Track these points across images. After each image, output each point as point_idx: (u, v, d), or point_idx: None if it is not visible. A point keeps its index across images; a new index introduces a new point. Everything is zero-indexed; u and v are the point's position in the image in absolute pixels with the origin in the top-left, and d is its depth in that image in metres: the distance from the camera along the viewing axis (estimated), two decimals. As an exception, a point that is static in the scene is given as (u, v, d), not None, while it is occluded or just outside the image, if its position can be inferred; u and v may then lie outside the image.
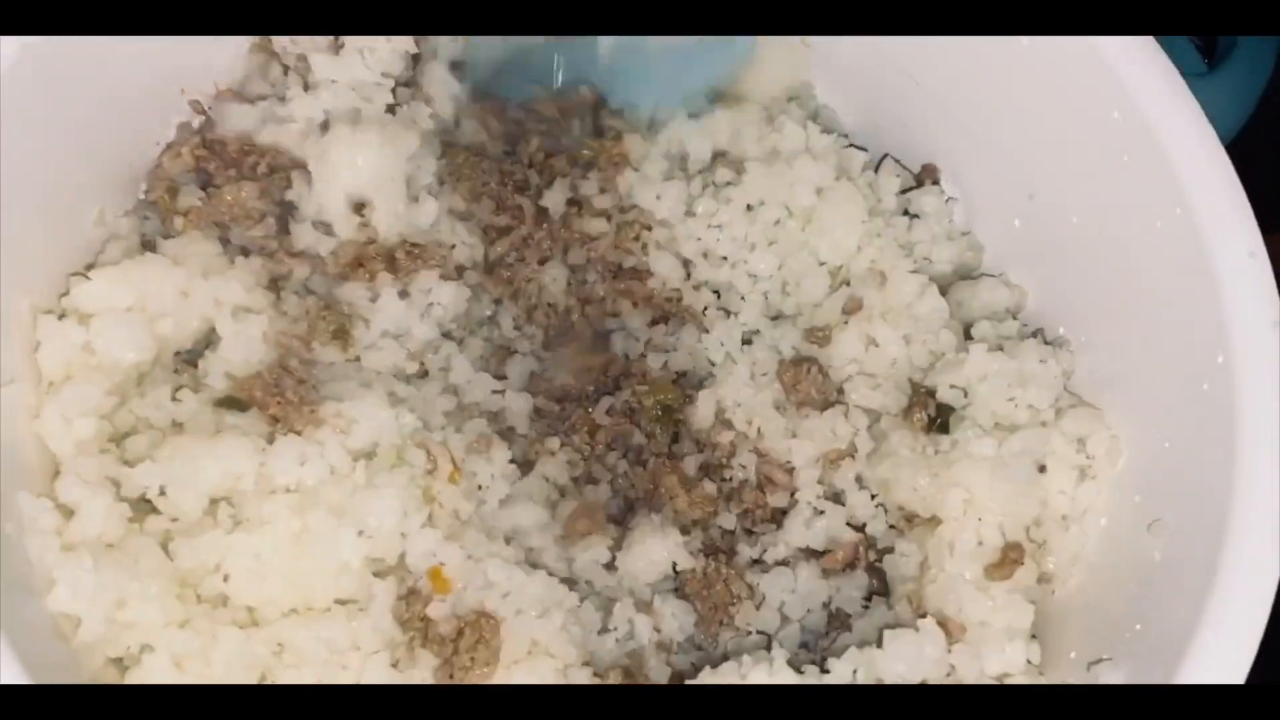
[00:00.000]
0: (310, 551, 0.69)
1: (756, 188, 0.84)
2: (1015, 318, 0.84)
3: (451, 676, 0.70)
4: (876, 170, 0.89)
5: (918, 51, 0.84)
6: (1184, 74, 0.73)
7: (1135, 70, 0.73)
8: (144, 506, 0.71)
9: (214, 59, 0.82)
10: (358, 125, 0.79)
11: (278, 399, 0.73)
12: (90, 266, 0.76)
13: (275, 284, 0.79)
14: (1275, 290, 0.67)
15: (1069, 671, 0.69)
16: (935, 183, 0.90)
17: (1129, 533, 0.71)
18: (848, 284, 0.84)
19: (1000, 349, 0.79)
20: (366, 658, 0.70)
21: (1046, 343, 0.81)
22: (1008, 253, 0.87)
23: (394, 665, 0.70)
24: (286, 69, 0.82)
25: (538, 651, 0.72)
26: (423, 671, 0.70)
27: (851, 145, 0.90)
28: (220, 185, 0.80)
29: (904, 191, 0.88)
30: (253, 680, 0.69)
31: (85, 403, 0.70)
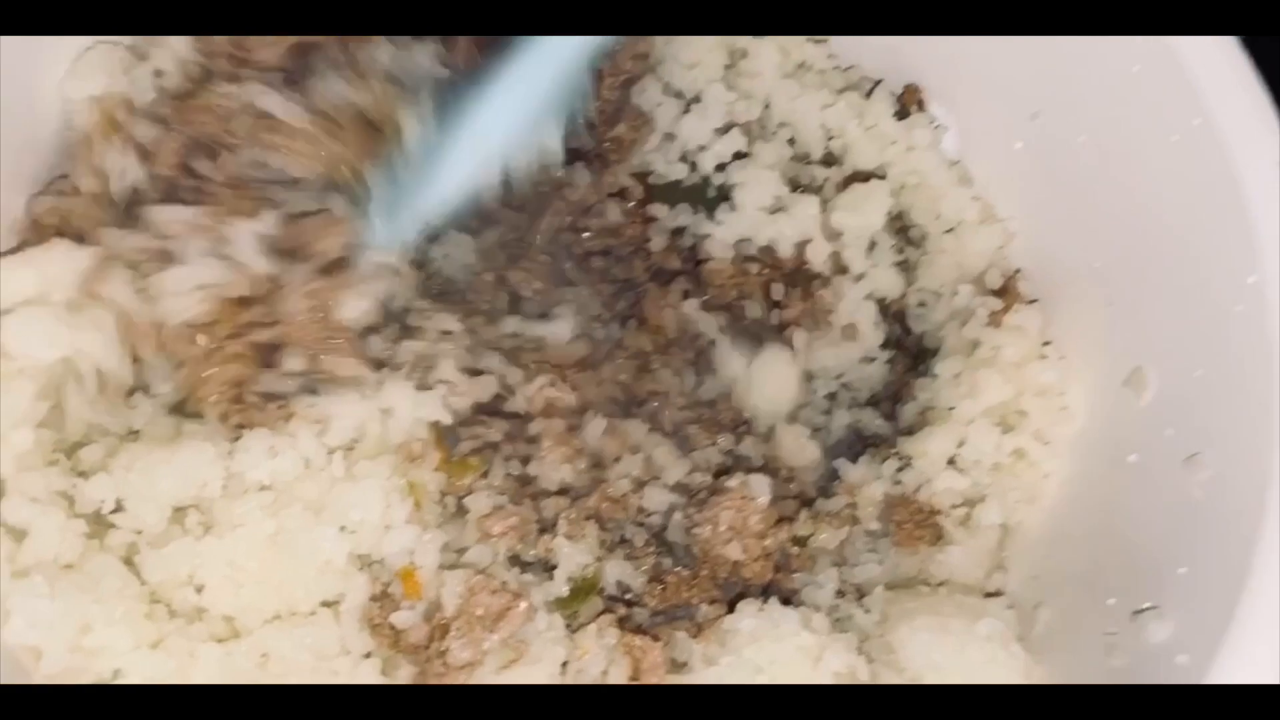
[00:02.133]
0: (289, 552, 0.64)
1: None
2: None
3: (427, 681, 0.65)
4: (868, 96, 0.83)
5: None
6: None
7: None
8: (103, 521, 0.64)
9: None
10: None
11: (238, 406, 0.67)
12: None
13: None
14: (1308, 202, 0.63)
15: (1109, 619, 0.66)
16: (921, 108, 0.84)
17: (1165, 469, 0.67)
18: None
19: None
20: (356, 663, 0.65)
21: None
22: (1001, 182, 0.83)
23: (383, 671, 0.66)
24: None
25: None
26: (405, 677, 0.66)
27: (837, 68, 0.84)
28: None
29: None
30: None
31: (13, 412, 0.63)
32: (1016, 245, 0.83)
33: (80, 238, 0.69)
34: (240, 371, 0.67)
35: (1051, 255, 0.80)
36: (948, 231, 0.84)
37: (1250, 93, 0.65)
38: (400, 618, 0.64)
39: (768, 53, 0.84)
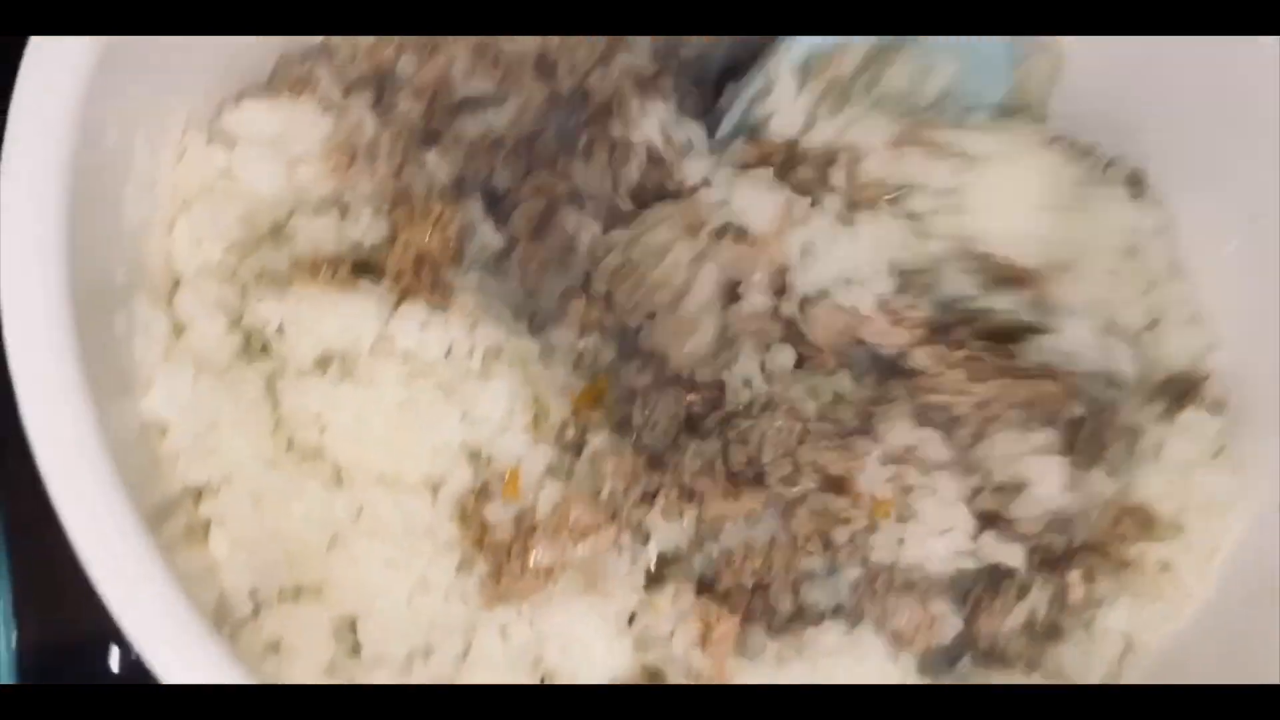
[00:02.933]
0: (412, 421, 0.65)
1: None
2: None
3: (499, 583, 0.65)
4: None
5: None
6: None
7: None
8: (257, 347, 0.68)
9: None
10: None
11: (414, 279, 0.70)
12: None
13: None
14: None
15: None
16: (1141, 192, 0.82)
17: None
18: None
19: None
20: (438, 548, 0.65)
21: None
22: (1212, 283, 0.79)
23: (459, 566, 0.66)
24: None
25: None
26: (478, 574, 0.65)
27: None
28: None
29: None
30: (323, 540, 0.65)
31: (216, 224, 0.68)
32: (1218, 352, 0.78)
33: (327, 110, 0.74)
34: (436, 248, 0.70)
35: (1250, 368, 0.76)
36: (1150, 326, 0.80)
37: None
38: (493, 510, 0.65)
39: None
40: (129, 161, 0.64)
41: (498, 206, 0.77)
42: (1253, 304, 0.75)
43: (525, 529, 0.64)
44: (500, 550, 0.65)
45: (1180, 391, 0.76)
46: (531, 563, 0.63)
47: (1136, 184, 0.81)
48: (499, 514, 0.65)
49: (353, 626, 0.66)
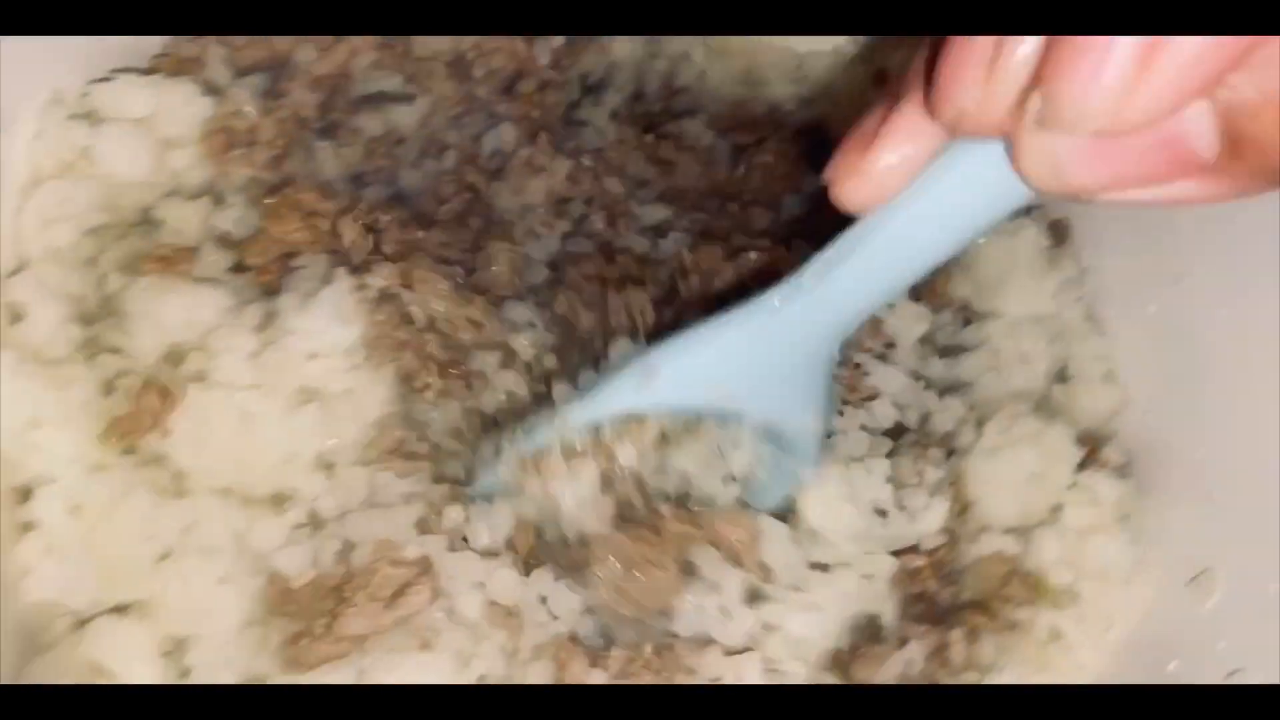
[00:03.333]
0: (261, 429, 0.61)
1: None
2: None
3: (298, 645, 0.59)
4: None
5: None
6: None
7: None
8: (99, 345, 0.63)
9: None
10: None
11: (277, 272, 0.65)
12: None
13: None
14: None
15: None
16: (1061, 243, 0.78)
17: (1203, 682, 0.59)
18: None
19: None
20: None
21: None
22: (1129, 343, 0.75)
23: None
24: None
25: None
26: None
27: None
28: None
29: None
30: (151, 554, 0.60)
31: (68, 205, 0.64)
32: (1128, 413, 0.75)
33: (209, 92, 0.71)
34: (304, 242, 0.66)
35: (1158, 433, 0.72)
36: (1063, 381, 0.77)
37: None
38: (290, 557, 0.60)
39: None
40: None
41: (409, 204, 0.73)
42: (1169, 368, 0.72)
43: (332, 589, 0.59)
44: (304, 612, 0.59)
45: (1084, 451, 0.72)
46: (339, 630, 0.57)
47: (1059, 233, 0.78)
48: (297, 562, 0.59)
49: (183, 648, 0.61)
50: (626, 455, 0.59)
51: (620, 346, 0.63)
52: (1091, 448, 0.73)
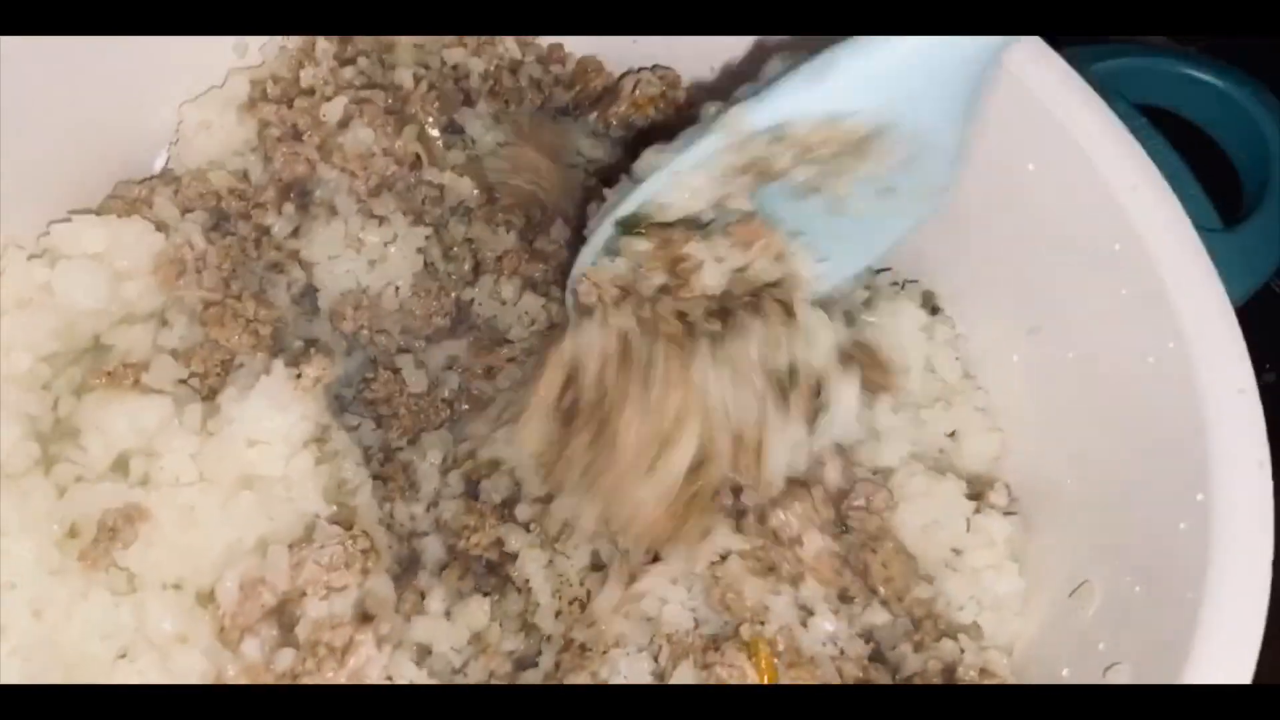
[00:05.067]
0: (203, 522, 0.66)
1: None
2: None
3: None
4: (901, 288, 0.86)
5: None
6: (1199, 227, 0.72)
7: (1142, 208, 0.71)
8: (54, 456, 0.68)
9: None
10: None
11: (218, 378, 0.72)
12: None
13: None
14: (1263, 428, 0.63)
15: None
16: (935, 312, 0.87)
17: (1089, 682, 0.64)
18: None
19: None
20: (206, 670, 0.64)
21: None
22: (1002, 393, 0.83)
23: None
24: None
25: None
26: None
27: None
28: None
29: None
30: (110, 652, 0.64)
31: (28, 334, 0.69)
32: (1009, 458, 0.82)
33: (159, 229, 0.77)
34: (245, 346, 0.72)
35: (1036, 470, 0.80)
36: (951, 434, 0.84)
37: (1224, 321, 0.66)
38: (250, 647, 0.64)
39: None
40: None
41: None
42: (1033, 411, 0.80)
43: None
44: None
45: (972, 495, 0.79)
46: None
47: (930, 303, 0.87)
48: (255, 651, 0.64)
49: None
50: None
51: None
52: (980, 490, 0.79)
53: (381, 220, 0.78)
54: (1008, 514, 0.78)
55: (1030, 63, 0.73)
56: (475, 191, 0.81)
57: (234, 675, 0.63)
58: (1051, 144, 0.73)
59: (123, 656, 0.65)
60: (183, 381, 0.71)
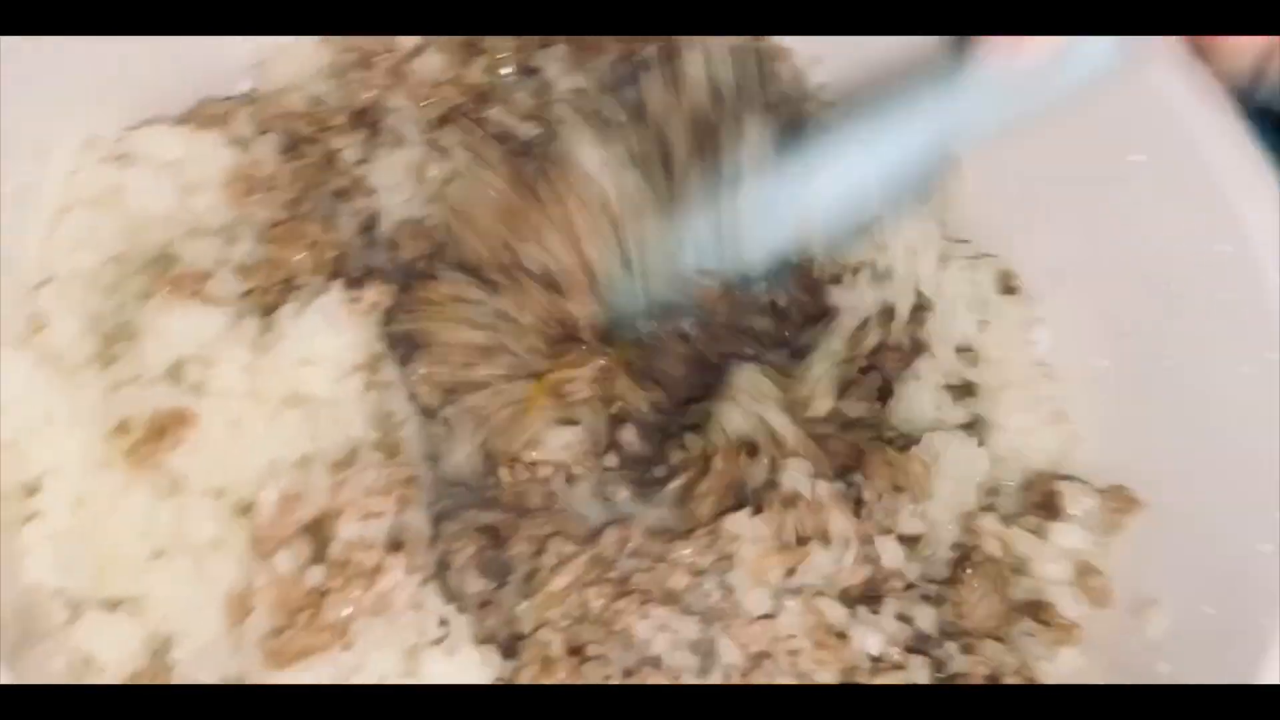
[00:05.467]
0: (250, 434, 0.66)
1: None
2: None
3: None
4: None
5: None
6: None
7: (1256, 210, 0.67)
8: (111, 354, 0.68)
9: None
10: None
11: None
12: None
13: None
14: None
15: None
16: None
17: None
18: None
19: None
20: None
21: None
22: (1081, 390, 0.79)
23: None
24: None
25: None
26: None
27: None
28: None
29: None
30: (144, 551, 0.64)
31: (96, 233, 0.70)
32: (1075, 460, 0.78)
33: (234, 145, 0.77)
34: (307, 267, 0.72)
35: (1104, 477, 0.75)
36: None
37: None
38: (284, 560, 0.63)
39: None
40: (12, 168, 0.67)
41: None
42: (1119, 415, 0.76)
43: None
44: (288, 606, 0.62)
45: (1042, 502, 0.75)
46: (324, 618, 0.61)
47: (1008, 282, 0.83)
48: (285, 564, 0.63)
49: (169, 645, 0.64)
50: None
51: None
52: (1048, 497, 0.75)
53: (444, 152, 0.77)
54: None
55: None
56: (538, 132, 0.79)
57: (263, 585, 0.63)
58: (1162, 135, 0.69)
59: (158, 557, 0.65)
60: (243, 296, 0.71)
